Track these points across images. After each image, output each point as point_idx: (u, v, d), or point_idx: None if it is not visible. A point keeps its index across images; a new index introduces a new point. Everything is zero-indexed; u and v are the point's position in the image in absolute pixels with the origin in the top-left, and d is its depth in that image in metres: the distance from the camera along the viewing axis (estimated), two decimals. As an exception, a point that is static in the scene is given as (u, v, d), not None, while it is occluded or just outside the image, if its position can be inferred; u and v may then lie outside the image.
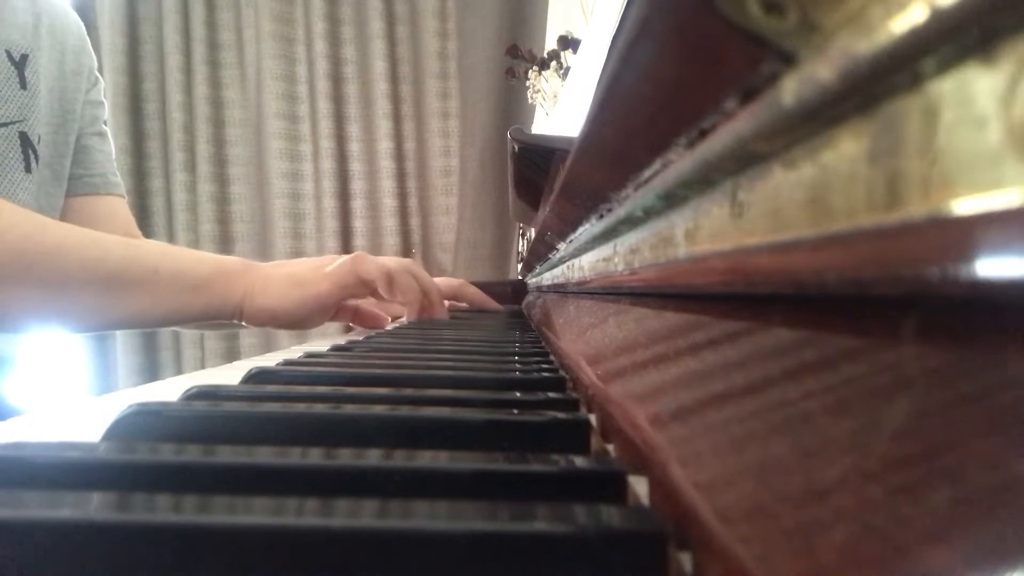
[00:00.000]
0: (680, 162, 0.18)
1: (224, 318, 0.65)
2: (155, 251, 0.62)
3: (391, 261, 0.72)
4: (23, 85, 0.74)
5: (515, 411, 0.24)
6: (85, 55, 0.85)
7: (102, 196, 0.85)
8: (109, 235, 0.60)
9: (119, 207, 0.88)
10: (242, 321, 0.65)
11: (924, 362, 0.09)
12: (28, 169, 0.74)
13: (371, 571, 0.13)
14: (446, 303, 0.82)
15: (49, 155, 0.78)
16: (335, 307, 0.69)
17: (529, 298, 1.09)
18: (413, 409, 0.24)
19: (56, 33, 0.80)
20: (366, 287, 0.68)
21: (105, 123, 0.89)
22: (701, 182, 0.18)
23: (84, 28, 0.86)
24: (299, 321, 0.67)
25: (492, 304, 0.98)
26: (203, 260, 0.64)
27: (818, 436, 0.11)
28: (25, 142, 0.74)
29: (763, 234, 0.14)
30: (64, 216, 0.82)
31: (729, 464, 0.12)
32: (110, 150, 0.89)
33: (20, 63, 0.73)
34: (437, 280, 0.88)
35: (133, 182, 1.88)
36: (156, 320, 0.61)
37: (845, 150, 0.11)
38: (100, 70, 0.89)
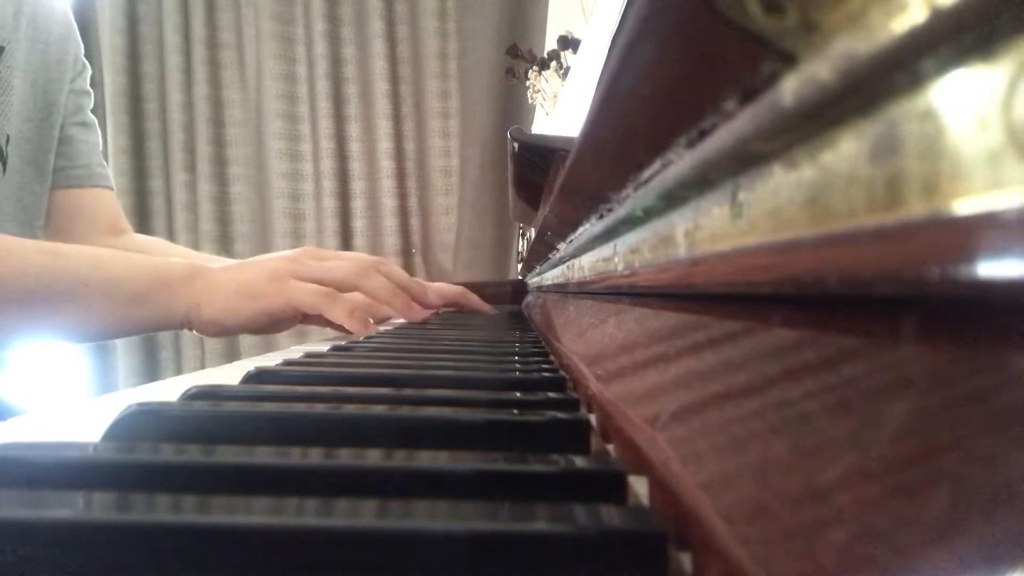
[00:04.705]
0: (680, 162, 0.18)
1: (172, 328, 0.61)
2: (88, 262, 0.56)
3: (346, 268, 0.63)
4: None
5: (515, 411, 0.24)
6: (70, 43, 0.81)
7: (87, 189, 0.83)
8: (32, 245, 0.55)
9: (106, 200, 0.85)
10: (193, 331, 0.62)
11: (924, 362, 0.09)
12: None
13: (371, 571, 0.13)
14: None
15: (32, 151, 0.75)
16: (297, 319, 0.63)
17: (529, 298, 1.09)
18: (413, 409, 0.24)
19: (39, 22, 0.76)
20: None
21: (92, 112, 0.85)
22: (701, 182, 0.18)
23: (71, 15, 0.83)
24: (254, 332, 0.63)
25: (486, 307, 0.93)
26: (143, 269, 0.59)
27: (818, 436, 0.11)
28: None
29: (763, 234, 0.14)
30: (50, 212, 0.79)
31: (729, 464, 0.12)
32: (96, 140, 0.86)
33: None
34: (435, 285, 0.84)
35: (133, 182, 1.87)
36: (92, 334, 0.58)
37: (845, 150, 0.11)
38: (100, 70, 0.87)
